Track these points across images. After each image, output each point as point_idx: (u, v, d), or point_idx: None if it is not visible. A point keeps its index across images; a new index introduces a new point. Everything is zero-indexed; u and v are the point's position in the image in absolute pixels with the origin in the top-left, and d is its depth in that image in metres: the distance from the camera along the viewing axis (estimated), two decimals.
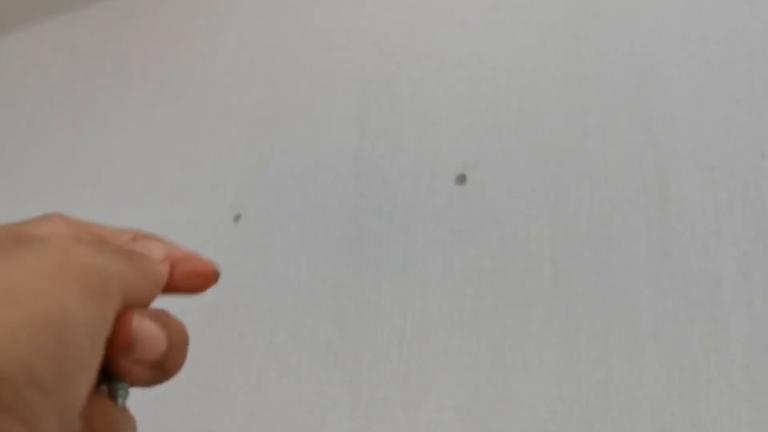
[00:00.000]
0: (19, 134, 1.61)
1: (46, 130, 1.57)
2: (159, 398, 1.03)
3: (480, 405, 0.83)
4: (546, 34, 1.01)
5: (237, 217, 1.16)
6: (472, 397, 0.83)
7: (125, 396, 0.28)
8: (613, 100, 0.92)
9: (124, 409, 0.28)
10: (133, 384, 0.28)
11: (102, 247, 0.27)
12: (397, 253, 0.97)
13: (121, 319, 0.27)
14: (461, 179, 0.98)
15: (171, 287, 0.34)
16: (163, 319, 0.30)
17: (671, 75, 0.90)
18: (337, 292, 0.99)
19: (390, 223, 1.00)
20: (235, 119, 1.28)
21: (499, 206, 0.93)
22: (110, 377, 0.28)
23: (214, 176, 1.23)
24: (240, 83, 1.32)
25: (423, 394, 0.86)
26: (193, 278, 0.35)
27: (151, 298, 0.30)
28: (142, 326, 0.27)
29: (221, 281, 1.09)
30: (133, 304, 0.28)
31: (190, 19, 1.48)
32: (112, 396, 0.28)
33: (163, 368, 0.29)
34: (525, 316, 0.85)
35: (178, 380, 1.00)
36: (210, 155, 1.27)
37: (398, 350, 0.91)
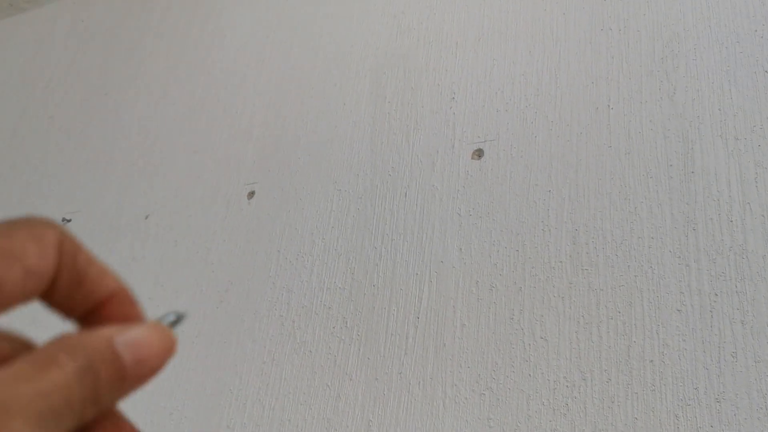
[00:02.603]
0: (34, 111, 1.61)
1: (61, 106, 1.57)
2: (173, 372, 1.03)
3: (498, 380, 0.81)
4: (566, 6, 0.99)
5: (251, 194, 1.15)
6: (490, 372, 0.82)
7: None
8: (637, 72, 0.90)
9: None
10: None
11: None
12: (413, 228, 0.96)
13: None
14: (478, 154, 0.97)
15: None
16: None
17: (697, 45, 0.88)
18: (352, 267, 0.98)
19: (406, 199, 0.99)
20: (250, 96, 1.26)
21: (517, 181, 0.92)
22: None
23: (227, 154, 1.22)
24: (255, 60, 1.30)
25: (439, 369, 0.85)
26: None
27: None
28: None
29: (235, 258, 1.08)
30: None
31: None
32: None
33: None
34: (544, 290, 0.83)
35: (194, 355, 1.00)
36: (224, 132, 1.26)
37: (414, 325, 0.89)
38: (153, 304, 1.14)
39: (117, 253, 1.23)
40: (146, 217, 1.24)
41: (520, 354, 0.81)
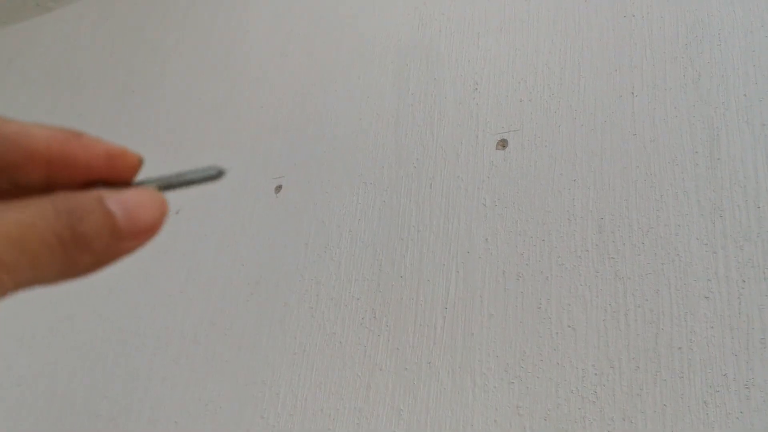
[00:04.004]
0: (62, 108, 1.64)
1: (89, 104, 1.59)
2: (207, 365, 1.05)
3: (527, 369, 0.82)
4: None
5: (278, 188, 1.16)
6: (518, 361, 0.83)
7: None
8: (661, 58, 0.90)
9: None
10: None
11: None
12: (439, 219, 0.97)
13: None
14: (503, 144, 0.97)
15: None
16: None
17: (721, 30, 0.87)
18: (379, 259, 0.99)
19: (431, 190, 1.00)
20: (274, 91, 1.28)
21: (542, 170, 0.92)
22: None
23: (254, 148, 1.24)
24: (278, 54, 1.32)
25: (468, 359, 0.86)
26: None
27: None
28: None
29: (264, 251, 1.10)
30: None
31: None
32: None
33: None
34: (570, 279, 0.84)
35: (227, 347, 1.03)
36: (250, 127, 1.27)
37: (442, 315, 0.90)
38: (185, 297, 1.17)
39: (149, 248, 1.26)
40: (177, 212, 1.27)
41: (548, 343, 0.82)
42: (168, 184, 0.28)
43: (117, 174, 0.26)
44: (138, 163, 0.27)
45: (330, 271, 1.03)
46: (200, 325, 1.12)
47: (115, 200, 0.24)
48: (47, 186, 0.25)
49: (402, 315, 0.93)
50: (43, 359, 1.28)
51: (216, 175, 0.28)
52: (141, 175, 0.28)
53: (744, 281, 0.74)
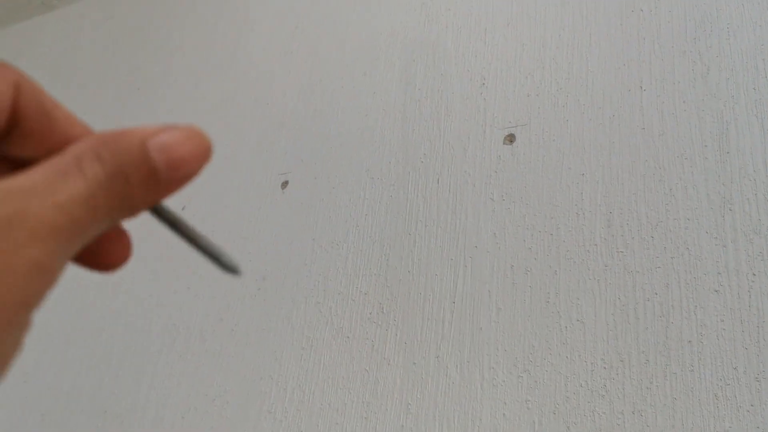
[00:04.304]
0: (66, 104, 1.64)
1: (93, 102, 1.60)
2: (216, 360, 1.05)
3: (535, 363, 0.82)
4: None
5: (285, 184, 1.16)
6: (527, 355, 0.83)
7: None
8: (669, 52, 0.90)
9: None
10: None
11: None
12: (447, 214, 0.97)
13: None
14: (510, 139, 0.97)
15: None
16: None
17: (730, 24, 0.87)
18: (387, 254, 0.99)
19: (438, 185, 0.99)
20: (280, 87, 1.28)
21: (550, 165, 0.92)
22: None
23: (260, 145, 1.24)
24: (284, 50, 1.32)
25: (476, 353, 0.86)
26: None
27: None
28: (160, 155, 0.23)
29: (271, 246, 1.10)
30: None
31: None
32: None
33: None
34: (579, 272, 0.84)
35: (235, 343, 1.03)
36: (255, 124, 1.27)
37: (450, 309, 0.90)
38: (191, 293, 1.17)
39: (155, 244, 1.26)
40: (182, 209, 1.27)
41: (557, 337, 0.82)
42: (188, 236, 0.26)
43: None
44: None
45: (337, 266, 1.03)
46: (207, 320, 1.12)
47: (159, 145, 0.23)
48: None
49: (410, 309, 0.93)
50: (49, 356, 1.28)
51: (232, 270, 0.27)
52: None
53: (754, 274, 0.74)
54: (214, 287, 1.14)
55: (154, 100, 1.48)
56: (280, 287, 1.07)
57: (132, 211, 0.23)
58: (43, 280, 0.20)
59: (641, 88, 0.90)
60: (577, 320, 0.82)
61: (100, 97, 1.59)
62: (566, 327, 0.82)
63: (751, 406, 0.69)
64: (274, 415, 0.97)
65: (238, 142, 1.27)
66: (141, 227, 1.30)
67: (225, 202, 1.22)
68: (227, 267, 0.26)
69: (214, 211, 1.23)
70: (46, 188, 0.20)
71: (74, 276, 1.34)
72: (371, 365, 0.92)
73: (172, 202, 1.28)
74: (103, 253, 0.26)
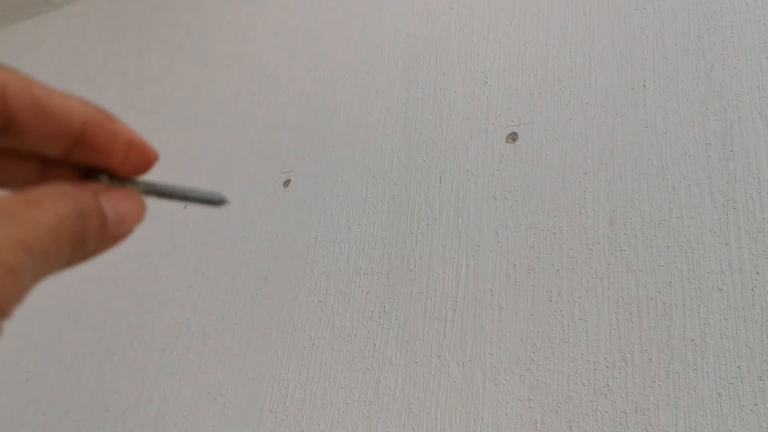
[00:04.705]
0: None
1: (97, 100, 1.59)
2: (217, 358, 1.05)
3: (537, 362, 0.82)
4: None
5: (287, 183, 1.16)
6: (529, 354, 0.83)
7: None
8: (673, 50, 0.89)
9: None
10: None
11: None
12: (449, 212, 0.97)
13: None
14: (513, 138, 0.97)
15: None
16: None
17: (733, 22, 0.87)
18: (389, 252, 0.99)
19: (441, 184, 0.99)
20: (283, 86, 1.28)
21: (553, 163, 0.92)
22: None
23: (263, 143, 1.24)
24: (287, 49, 1.32)
25: (478, 352, 0.86)
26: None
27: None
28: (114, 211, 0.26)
29: (273, 245, 1.10)
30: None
31: None
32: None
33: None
34: (582, 271, 0.84)
35: (236, 341, 1.02)
36: (258, 122, 1.27)
37: (452, 308, 0.90)
38: (194, 291, 1.17)
39: (157, 243, 1.26)
40: (184, 207, 1.27)
41: (559, 335, 0.82)
42: (167, 193, 0.29)
43: (130, 164, 0.28)
44: (153, 160, 0.28)
45: (339, 265, 1.03)
46: (209, 319, 1.12)
47: (109, 200, 0.25)
48: (62, 159, 0.26)
49: (412, 308, 0.93)
50: (51, 354, 1.28)
51: (218, 201, 0.30)
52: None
53: (758, 273, 0.74)
54: (216, 286, 1.14)
55: (158, 98, 1.48)
56: (282, 286, 1.07)
57: (85, 254, 0.25)
58: (14, 285, 0.21)
59: (644, 86, 0.89)
60: (580, 319, 0.81)
61: (103, 95, 1.59)
62: (569, 326, 0.82)
63: (755, 405, 0.69)
64: (276, 413, 0.97)
65: (240, 141, 1.27)
66: (142, 227, 1.30)
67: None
68: (218, 202, 0.30)
69: (216, 209, 1.23)
70: (16, 211, 0.22)
71: (76, 275, 1.34)
72: (373, 364, 0.92)
73: (173, 206, 1.28)
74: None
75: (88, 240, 0.24)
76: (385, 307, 0.95)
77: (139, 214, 0.27)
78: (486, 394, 0.83)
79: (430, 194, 1.00)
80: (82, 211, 0.24)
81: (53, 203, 0.23)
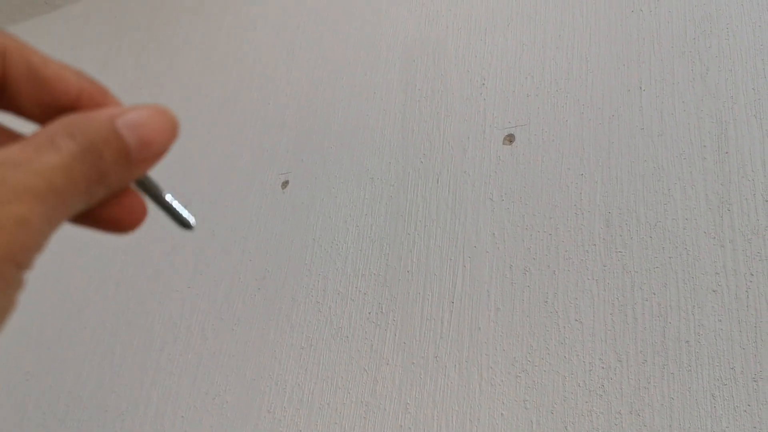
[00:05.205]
0: None
1: None
2: (215, 359, 1.05)
3: (533, 363, 0.82)
4: None
5: (285, 184, 1.17)
6: (525, 355, 0.83)
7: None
8: (669, 52, 0.90)
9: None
10: None
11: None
12: (446, 214, 0.97)
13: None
14: (510, 139, 0.97)
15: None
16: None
17: (729, 25, 0.87)
18: (386, 254, 0.99)
19: (438, 185, 1.00)
20: (282, 87, 1.28)
21: (549, 165, 0.92)
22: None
23: (261, 144, 1.24)
24: (286, 50, 1.32)
25: (475, 353, 0.86)
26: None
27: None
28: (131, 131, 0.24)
29: (271, 246, 1.10)
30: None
31: None
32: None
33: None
34: (578, 272, 0.84)
35: (235, 341, 1.03)
36: (257, 123, 1.28)
37: (449, 309, 0.91)
38: (192, 292, 1.17)
39: (156, 244, 1.27)
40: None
41: (555, 336, 0.82)
42: (152, 191, 0.28)
43: None
44: None
45: (337, 266, 1.03)
46: (208, 319, 1.12)
47: (128, 123, 0.24)
48: None
49: (409, 309, 0.94)
50: (51, 354, 1.29)
51: (188, 225, 0.29)
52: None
53: (752, 274, 0.74)
54: (215, 286, 1.15)
55: (156, 99, 1.49)
56: (280, 286, 1.07)
57: (110, 186, 0.24)
58: (28, 234, 0.21)
59: (641, 88, 0.90)
60: (576, 320, 0.82)
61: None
62: (564, 327, 0.82)
63: (748, 406, 0.69)
64: (274, 414, 0.97)
65: (239, 142, 1.28)
66: (142, 228, 1.30)
67: (226, 201, 1.23)
68: (187, 225, 0.29)
69: (215, 210, 1.23)
70: (23, 159, 0.21)
71: (75, 275, 1.35)
72: (370, 365, 0.93)
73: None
74: (116, 214, 0.27)
75: (107, 172, 0.23)
76: (382, 308, 0.96)
77: (168, 130, 0.25)
78: (482, 395, 0.84)
79: (428, 195, 1.00)
80: (95, 142, 0.23)
81: (64, 139, 0.22)
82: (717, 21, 0.88)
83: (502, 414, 0.81)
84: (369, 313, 0.97)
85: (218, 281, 1.15)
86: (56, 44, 1.84)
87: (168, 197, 0.28)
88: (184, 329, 1.14)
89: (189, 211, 0.29)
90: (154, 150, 0.25)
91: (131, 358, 1.18)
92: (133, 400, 1.13)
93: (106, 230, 0.27)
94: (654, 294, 0.78)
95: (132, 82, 1.57)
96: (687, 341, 0.75)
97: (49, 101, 0.25)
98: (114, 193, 0.25)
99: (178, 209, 0.28)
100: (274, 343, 1.03)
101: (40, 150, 0.22)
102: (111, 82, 1.61)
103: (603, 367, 0.78)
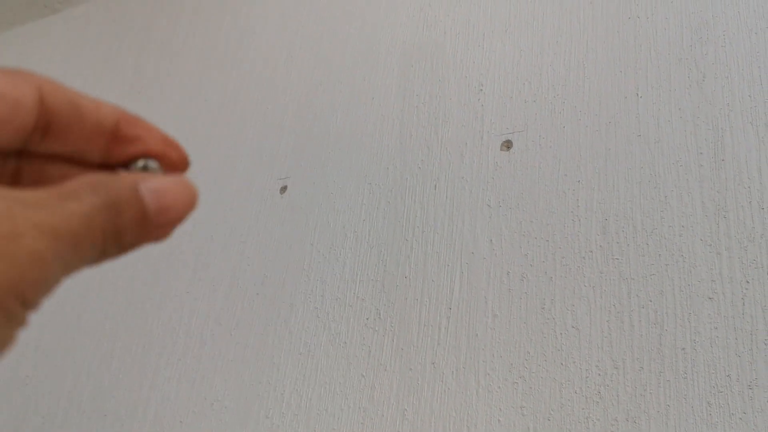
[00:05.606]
0: None
1: None
2: (213, 363, 1.06)
3: (530, 369, 0.82)
4: None
5: (283, 189, 1.17)
6: (522, 361, 0.83)
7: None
8: (666, 59, 0.90)
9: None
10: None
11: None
12: (444, 220, 0.97)
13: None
14: (507, 145, 0.97)
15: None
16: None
17: (726, 32, 0.87)
18: (384, 259, 1.00)
19: (436, 191, 1.00)
20: (281, 91, 1.29)
21: (546, 171, 0.92)
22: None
23: (260, 149, 1.25)
24: (285, 54, 1.32)
25: (472, 359, 0.87)
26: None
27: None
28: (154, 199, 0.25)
29: (269, 251, 1.11)
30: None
31: None
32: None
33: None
34: (575, 279, 0.84)
35: (233, 346, 1.03)
36: (256, 128, 1.28)
37: (446, 316, 0.91)
38: (191, 296, 1.17)
39: (155, 247, 1.27)
40: None
41: (552, 343, 0.82)
42: None
43: (168, 160, 0.28)
44: (187, 161, 0.29)
45: (335, 271, 1.03)
46: (206, 324, 1.13)
47: (150, 188, 0.25)
48: (103, 160, 0.27)
49: (406, 315, 0.94)
50: (49, 359, 1.29)
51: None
52: None
53: (748, 282, 0.74)
54: (214, 291, 1.15)
55: (156, 102, 1.49)
56: (279, 291, 1.07)
57: (123, 246, 0.25)
58: (40, 271, 0.21)
59: (637, 95, 0.90)
60: (573, 327, 0.82)
61: (102, 99, 1.60)
62: (561, 334, 0.82)
63: (744, 413, 0.69)
64: (272, 419, 0.97)
65: (237, 146, 1.28)
66: None
67: (224, 206, 1.23)
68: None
69: (213, 214, 1.23)
70: (46, 202, 0.22)
71: (74, 279, 1.35)
72: (368, 371, 0.93)
73: None
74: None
75: (124, 231, 0.24)
76: (380, 313, 0.96)
77: (187, 201, 0.26)
78: (479, 401, 0.84)
79: (425, 201, 1.00)
80: (117, 201, 0.23)
81: (87, 194, 0.23)
82: (714, 28, 0.89)
83: (499, 420, 0.82)
84: (367, 318, 0.97)
85: (217, 286, 1.15)
86: (56, 47, 1.84)
87: None
88: (183, 334, 1.14)
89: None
90: (171, 217, 0.26)
91: (130, 363, 1.18)
92: (131, 404, 1.13)
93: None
94: (650, 301, 0.79)
95: (131, 84, 1.57)
96: (683, 348, 0.75)
97: (93, 130, 0.26)
98: (124, 253, 0.26)
99: None
100: (272, 348, 1.03)
101: (64, 197, 0.22)
102: (110, 85, 1.61)
103: (600, 374, 0.78)
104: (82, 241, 0.22)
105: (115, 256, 0.25)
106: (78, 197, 0.23)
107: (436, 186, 1.00)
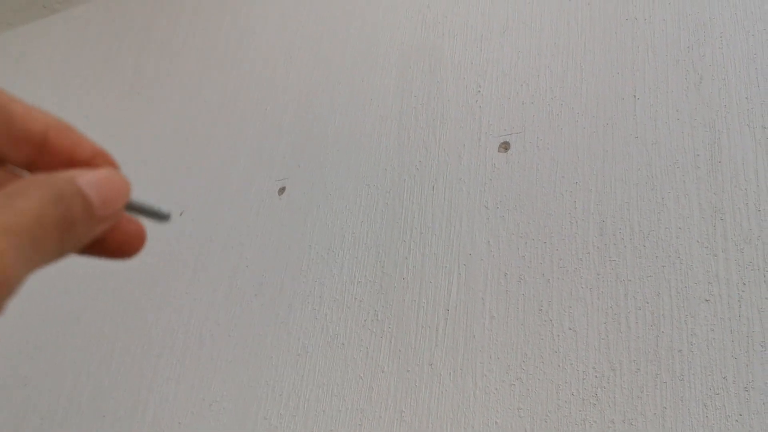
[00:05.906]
0: (68, 109, 1.65)
1: (95, 105, 1.61)
2: (212, 364, 1.06)
3: (528, 371, 0.82)
4: None
5: (282, 190, 1.17)
6: (519, 363, 0.83)
7: None
8: (663, 61, 0.90)
9: None
10: None
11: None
12: (441, 221, 0.97)
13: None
14: (505, 147, 0.97)
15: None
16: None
17: (723, 34, 0.88)
18: (382, 261, 1.00)
19: (434, 192, 1.00)
20: (280, 92, 1.29)
21: (544, 173, 0.92)
22: None
23: (259, 150, 1.25)
24: (284, 55, 1.32)
25: (469, 361, 0.87)
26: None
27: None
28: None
29: (268, 252, 1.11)
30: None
31: None
32: None
33: None
34: (572, 281, 0.84)
35: (232, 347, 1.03)
36: (255, 128, 1.28)
37: (444, 317, 0.91)
38: (189, 297, 1.17)
39: (153, 249, 1.27)
40: (181, 214, 1.28)
41: (549, 345, 0.83)
42: (145, 212, 0.29)
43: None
44: (116, 168, 0.29)
45: (333, 272, 1.04)
46: (204, 325, 1.13)
47: (88, 182, 0.25)
48: (27, 167, 0.27)
49: (404, 317, 0.94)
50: (47, 359, 1.29)
51: (164, 217, 0.30)
52: None
53: (744, 284, 0.75)
54: (212, 292, 1.15)
55: (155, 103, 1.49)
56: (277, 293, 1.08)
57: (77, 237, 0.25)
58: (2, 269, 0.21)
59: (635, 96, 0.90)
60: (570, 329, 0.82)
61: (101, 100, 1.60)
62: (558, 335, 0.82)
63: (740, 415, 0.70)
64: (270, 421, 0.97)
65: (236, 148, 1.28)
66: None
67: (222, 207, 1.23)
68: (164, 216, 0.30)
69: (211, 215, 1.23)
70: (1, 204, 0.22)
71: (73, 280, 1.35)
72: (365, 372, 0.93)
73: (171, 210, 1.29)
74: (118, 241, 0.29)
75: (75, 223, 0.24)
76: (378, 315, 0.96)
77: (123, 191, 0.27)
78: (477, 403, 0.84)
79: (423, 203, 1.00)
80: (61, 195, 0.24)
81: (33, 190, 0.23)
82: (711, 30, 0.89)
83: (496, 422, 0.82)
84: (365, 320, 0.97)
85: (215, 287, 1.16)
86: (56, 47, 1.84)
87: (133, 198, 0.29)
88: (182, 335, 1.15)
89: (163, 205, 0.30)
90: (112, 206, 0.26)
91: (129, 364, 1.18)
92: (130, 405, 1.13)
93: (109, 257, 0.29)
94: (647, 303, 0.79)
95: (131, 84, 1.57)
96: (680, 350, 0.75)
97: (19, 136, 0.26)
98: (81, 245, 0.26)
99: (149, 205, 0.29)
100: (270, 349, 1.03)
101: (11, 196, 0.23)
102: (110, 85, 1.61)
103: (596, 376, 0.78)
104: (39, 236, 0.23)
105: (74, 250, 0.25)
106: (26, 195, 0.23)
107: (433, 187, 1.00)
